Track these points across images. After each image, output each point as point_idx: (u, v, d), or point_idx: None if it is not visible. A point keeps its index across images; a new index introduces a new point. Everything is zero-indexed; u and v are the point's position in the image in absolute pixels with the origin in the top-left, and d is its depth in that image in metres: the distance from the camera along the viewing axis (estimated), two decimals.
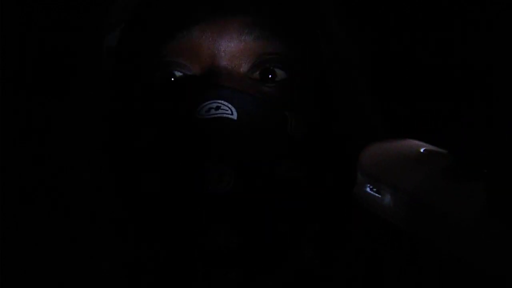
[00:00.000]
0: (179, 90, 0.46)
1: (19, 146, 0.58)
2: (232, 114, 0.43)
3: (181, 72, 0.47)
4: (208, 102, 0.43)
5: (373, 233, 0.47)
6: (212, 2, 0.47)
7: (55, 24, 0.60)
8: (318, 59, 0.50)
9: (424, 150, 0.38)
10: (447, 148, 0.38)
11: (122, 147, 0.47)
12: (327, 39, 0.50)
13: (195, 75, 0.46)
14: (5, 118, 0.58)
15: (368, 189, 0.38)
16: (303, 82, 0.48)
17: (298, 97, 0.47)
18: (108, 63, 0.50)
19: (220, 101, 0.43)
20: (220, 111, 0.43)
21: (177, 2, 0.48)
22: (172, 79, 0.47)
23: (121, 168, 0.46)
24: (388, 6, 0.59)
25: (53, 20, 0.60)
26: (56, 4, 0.60)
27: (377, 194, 0.37)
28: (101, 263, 0.47)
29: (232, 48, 0.46)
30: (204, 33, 0.46)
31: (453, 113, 0.56)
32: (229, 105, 0.43)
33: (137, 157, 0.45)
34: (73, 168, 0.50)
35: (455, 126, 0.52)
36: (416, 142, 0.40)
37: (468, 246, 0.32)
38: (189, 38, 0.46)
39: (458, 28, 0.58)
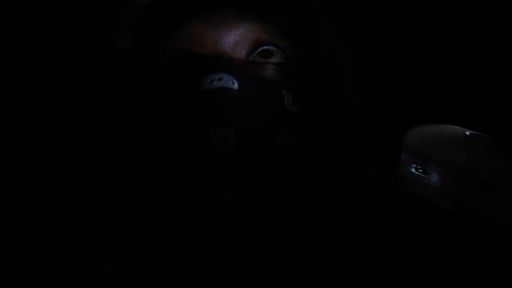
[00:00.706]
0: (186, 67, 0.49)
1: (28, 140, 0.58)
2: (233, 84, 0.46)
3: (187, 55, 0.50)
4: (212, 74, 0.46)
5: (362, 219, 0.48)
6: None
7: (67, 23, 0.61)
8: (310, 52, 0.53)
9: (469, 133, 0.38)
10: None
11: (135, 127, 0.49)
12: (318, 34, 0.54)
13: (200, 56, 0.50)
14: (22, 110, 0.57)
15: (413, 170, 0.37)
16: (297, 70, 0.51)
17: (293, 81, 0.50)
18: (121, 63, 0.53)
19: (222, 74, 0.46)
20: (222, 82, 0.46)
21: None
22: (177, 58, 0.50)
23: (135, 147, 0.49)
24: (381, 6, 0.61)
25: (65, 19, 0.61)
26: (67, 3, 0.61)
27: (423, 175, 0.36)
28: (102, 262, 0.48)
29: (231, 35, 0.50)
30: (205, 23, 0.50)
31: (446, 111, 0.57)
32: (231, 77, 0.46)
33: (150, 132, 0.48)
34: (86, 160, 0.51)
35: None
36: (460, 128, 0.40)
37: None
38: (192, 29, 0.50)
39: (451, 27, 0.59)
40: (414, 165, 0.37)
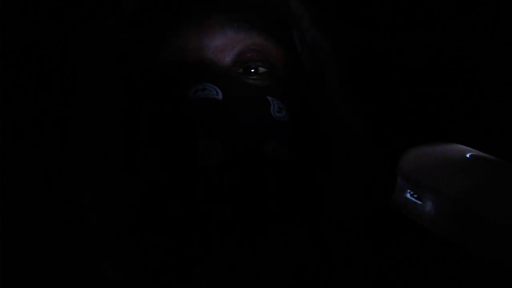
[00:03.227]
0: (169, 79, 0.49)
1: (22, 139, 0.59)
2: (217, 94, 0.45)
3: (170, 66, 0.50)
4: (195, 84, 0.46)
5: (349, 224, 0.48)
6: (196, 3, 0.51)
7: (60, 25, 0.61)
8: (295, 56, 0.53)
9: (470, 155, 0.36)
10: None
11: (124, 135, 0.49)
12: (302, 37, 0.53)
13: (183, 66, 0.49)
14: (14, 111, 0.58)
15: (408, 195, 0.35)
16: (283, 76, 0.51)
17: (279, 87, 0.50)
18: (111, 68, 0.53)
19: (206, 84, 0.46)
20: (205, 92, 0.45)
21: (165, 7, 0.51)
22: (162, 70, 0.49)
23: (125, 152, 0.49)
24: (366, 5, 0.59)
25: (58, 20, 0.61)
26: (60, 5, 0.61)
27: (418, 201, 0.35)
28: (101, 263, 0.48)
29: (215, 42, 0.49)
30: (189, 31, 0.49)
31: (435, 112, 0.55)
32: (214, 87, 0.46)
33: (137, 141, 0.48)
34: (80, 161, 0.51)
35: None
36: (462, 146, 0.37)
37: None
38: (176, 37, 0.49)
39: (440, 26, 0.57)
40: (409, 191, 0.35)
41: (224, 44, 0.49)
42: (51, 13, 0.59)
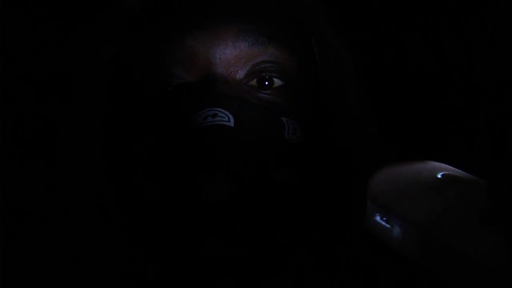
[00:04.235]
0: (176, 99, 0.46)
1: (18, 150, 0.58)
2: (229, 121, 0.42)
3: (177, 81, 0.46)
4: (205, 110, 0.42)
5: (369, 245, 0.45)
6: (205, 10, 0.46)
7: (55, 30, 0.60)
8: (313, 68, 0.49)
9: (442, 175, 0.35)
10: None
11: (121, 154, 0.47)
12: (321, 48, 0.49)
13: (191, 83, 0.46)
14: (3, 121, 0.58)
15: (377, 218, 0.35)
16: (299, 89, 0.47)
17: (294, 104, 0.46)
18: (107, 73, 0.50)
19: (217, 109, 0.42)
20: (217, 118, 0.42)
21: (170, 13, 0.47)
22: (169, 88, 0.46)
23: (120, 174, 0.46)
24: (382, 14, 0.56)
25: (52, 26, 0.60)
26: (56, 10, 0.60)
27: (386, 225, 0.34)
28: (101, 275, 0.47)
29: (227, 55, 0.45)
30: (199, 42, 0.45)
31: (452, 122, 0.53)
32: (226, 112, 0.42)
33: (136, 165, 0.45)
34: (72, 174, 0.50)
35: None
36: (435, 165, 0.36)
37: None
38: (183, 48, 0.45)
39: (455, 34, 0.54)
40: (378, 214, 0.35)
41: (237, 58, 0.46)
42: (51, 13, 0.58)
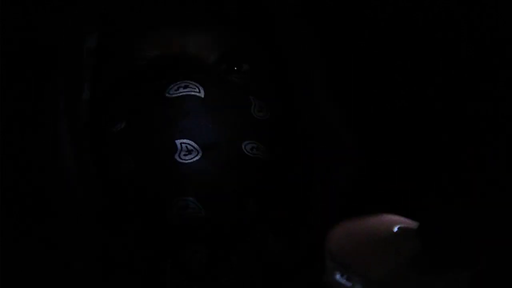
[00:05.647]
0: (151, 73, 0.49)
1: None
2: (199, 92, 0.46)
3: (152, 60, 0.50)
4: (177, 82, 0.46)
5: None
6: (180, 2, 0.51)
7: (37, 21, 0.60)
8: (278, 54, 0.53)
9: (397, 229, 0.35)
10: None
11: (101, 132, 0.50)
12: (285, 36, 0.53)
13: (165, 58, 0.49)
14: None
15: (337, 277, 0.35)
16: (265, 73, 0.52)
17: (261, 85, 0.51)
18: (89, 62, 0.53)
19: (188, 81, 0.46)
20: (188, 89, 0.46)
21: (146, 4, 0.52)
22: (144, 63, 0.50)
23: (100, 151, 0.50)
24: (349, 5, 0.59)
25: (35, 17, 0.60)
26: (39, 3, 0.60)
27: (348, 283, 0.34)
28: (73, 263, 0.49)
29: (200, 41, 0.50)
30: (174, 28, 0.50)
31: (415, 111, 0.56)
32: (197, 84, 0.46)
33: (115, 139, 0.49)
34: (53, 160, 0.51)
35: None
36: (390, 218, 0.37)
37: None
38: (160, 33, 0.50)
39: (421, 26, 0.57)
40: (338, 273, 0.35)
41: (209, 43, 0.50)
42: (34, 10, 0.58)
